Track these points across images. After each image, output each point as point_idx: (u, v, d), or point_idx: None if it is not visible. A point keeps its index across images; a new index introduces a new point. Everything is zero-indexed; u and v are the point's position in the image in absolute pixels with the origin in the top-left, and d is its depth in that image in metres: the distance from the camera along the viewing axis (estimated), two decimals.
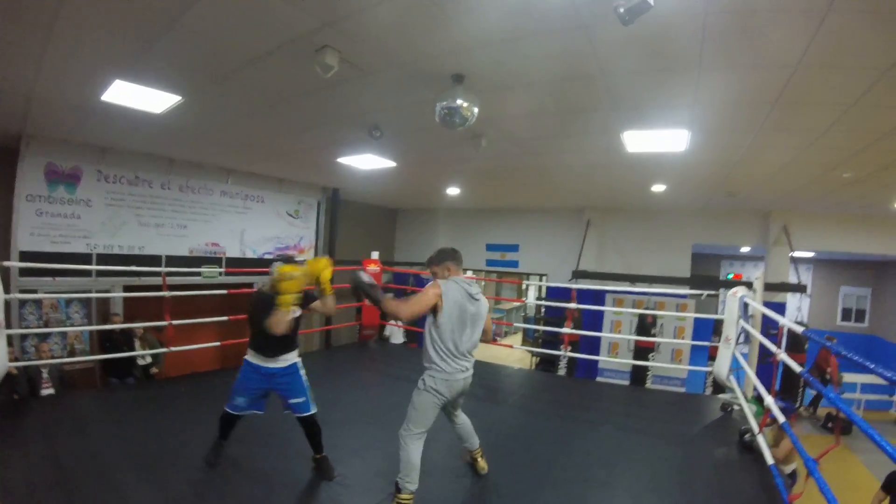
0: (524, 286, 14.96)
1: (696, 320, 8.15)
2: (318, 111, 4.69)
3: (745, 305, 5.35)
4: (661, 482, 3.53)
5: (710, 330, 7.92)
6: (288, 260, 3.19)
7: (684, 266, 8.92)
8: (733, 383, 5.25)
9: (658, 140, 5.01)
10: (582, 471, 3.65)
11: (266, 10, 2.88)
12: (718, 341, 6.98)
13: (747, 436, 4.15)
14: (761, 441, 3.79)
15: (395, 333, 8.13)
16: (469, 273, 11.55)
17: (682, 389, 8.14)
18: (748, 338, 5.45)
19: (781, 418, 3.57)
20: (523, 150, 5.73)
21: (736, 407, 5.14)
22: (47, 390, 5.17)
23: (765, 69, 3.31)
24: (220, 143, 6.16)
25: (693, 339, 8.15)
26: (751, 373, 4.91)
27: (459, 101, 3.64)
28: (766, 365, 5.76)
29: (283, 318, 2.95)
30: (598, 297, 8.31)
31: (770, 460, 3.60)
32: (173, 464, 3.39)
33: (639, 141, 5.07)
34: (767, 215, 8.35)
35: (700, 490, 3.47)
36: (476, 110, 3.74)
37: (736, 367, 5.33)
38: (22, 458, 3.31)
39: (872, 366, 2.14)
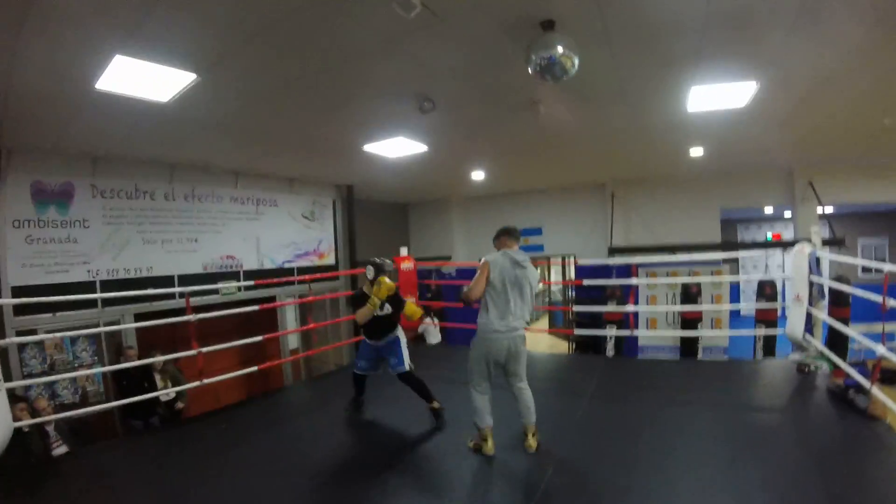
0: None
1: (732, 285, 7.98)
2: (367, 77, 4.11)
3: (818, 261, 5.15)
4: (790, 459, 3.17)
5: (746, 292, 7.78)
6: (378, 265, 4.18)
7: (714, 232, 8.70)
8: (813, 342, 5.03)
9: (722, 95, 4.72)
10: (703, 453, 3.31)
11: None
12: (764, 302, 6.89)
13: (851, 391, 3.92)
14: (879, 395, 3.57)
15: (432, 333, 7.58)
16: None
17: (726, 357, 7.95)
18: (823, 293, 5.22)
19: None
20: (576, 118, 5.33)
21: (812, 367, 4.91)
22: (59, 449, 4.44)
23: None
24: (231, 137, 5.50)
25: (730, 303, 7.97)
26: (850, 331, 4.63)
27: (560, 49, 3.19)
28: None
29: (368, 314, 4.02)
30: (629, 271, 8.01)
31: None
32: None
33: (703, 97, 4.77)
34: (791, 173, 8.23)
35: (836, 462, 3.12)
36: (577, 61, 3.30)
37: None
38: None
39: None
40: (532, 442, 3.40)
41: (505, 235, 3.56)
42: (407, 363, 4.22)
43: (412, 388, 4.19)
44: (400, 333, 4.36)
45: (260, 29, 3.19)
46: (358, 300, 4.19)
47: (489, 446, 3.34)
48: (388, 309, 4.22)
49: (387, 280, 3.98)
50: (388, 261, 4.28)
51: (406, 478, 3.20)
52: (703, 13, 3.20)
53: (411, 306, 4.26)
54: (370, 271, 4.21)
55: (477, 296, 3.31)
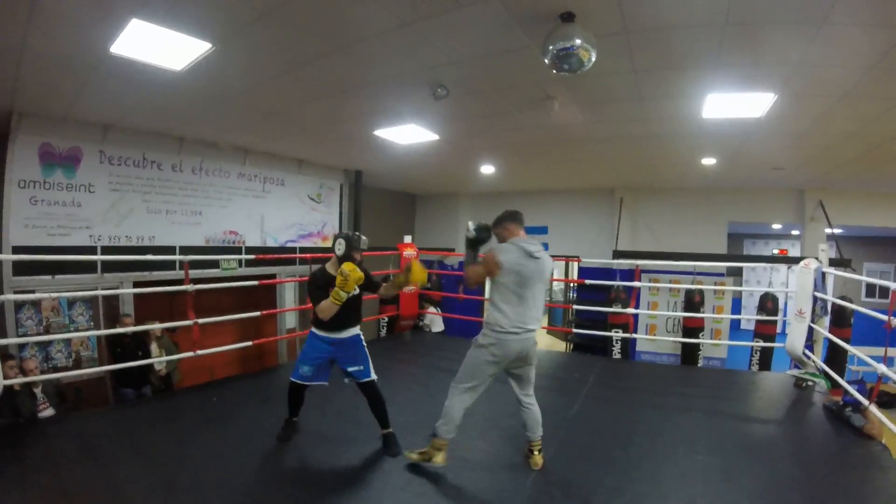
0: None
1: (734, 298, 7.93)
2: (381, 60, 4.04)
3: (823, 276, 5.10)
4: (784, 472, 3.12)
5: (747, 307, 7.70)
6: (351, 240, 3.30)
7: (720, 244, 8.68)
8: (813, 358, 4.99)
9: (739, 104, 4.66)
10: (696, 461, 3.26)
11: None
12: (765, 315, 6.81)
13: (848, 410, 3.86)
14: (877, 413, 3.54)
15: (435, 322, 7.52)
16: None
17: (722, 368, 7.91)
18: (826, 310, 5.17)
19: None
20: (590, 119, 5.28)
21: (810, 383, 4.85)
22: (45, 411, 4.44)
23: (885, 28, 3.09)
24: (241, 114, 5.46)
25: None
26: (857, 351, 4.57)
27: (578, 41, 3.13)
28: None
29: (333, 309, 3.15)
30: (633, 276, 7.98)
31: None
32: (208, 488, 2.82)
33: (720, 105, 4.70)
34: (802, 192, 8.19)
35: (830, 478, 3.07)
36: (594, 56, 3.25)
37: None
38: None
39: None
40: (538, 458, 3.07)
41: (509, 221, 3.04)
42: (373, 370, 3.41)
43: (372, 402, 3.37)
44: (360, 331, 3.50)
45: (278, 3, 3.14)
46: (318, 283, 3.31)
47: (441, 458, 2.98)
48: (353, 292, 3.31)
49: (344, 271, 3.09)
50: (362, 237, 3.41)
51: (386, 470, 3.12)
52: (721, 18, 3.16)
53: (417, 268, 3.36)
54: (340, 245, 3.32)
55: (470, 286, 3.03)
